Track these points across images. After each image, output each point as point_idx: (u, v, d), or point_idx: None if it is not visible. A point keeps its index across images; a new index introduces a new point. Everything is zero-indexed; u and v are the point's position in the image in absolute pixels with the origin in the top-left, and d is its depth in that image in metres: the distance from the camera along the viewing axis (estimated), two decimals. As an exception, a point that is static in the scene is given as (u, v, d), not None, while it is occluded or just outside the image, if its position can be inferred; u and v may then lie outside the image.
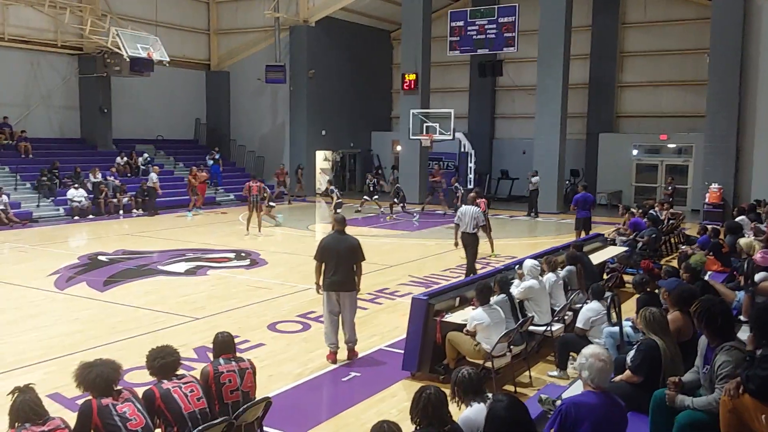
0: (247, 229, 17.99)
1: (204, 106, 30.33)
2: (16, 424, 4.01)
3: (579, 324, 7.45)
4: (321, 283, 7.95)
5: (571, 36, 23.99)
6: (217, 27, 30.30)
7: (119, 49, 22.41)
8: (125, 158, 24.59)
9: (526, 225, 21.08)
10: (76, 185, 21.20)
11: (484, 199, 15.04)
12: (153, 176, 22.27)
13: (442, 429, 3.90)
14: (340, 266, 7.83)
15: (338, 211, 19.82)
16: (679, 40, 26.48)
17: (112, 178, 22.51)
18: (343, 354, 8.06)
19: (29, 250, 15.65)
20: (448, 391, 4.17)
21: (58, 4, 23.01)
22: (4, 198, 19.22)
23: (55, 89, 24.47)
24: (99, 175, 22.07)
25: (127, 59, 22.69)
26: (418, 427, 3.90)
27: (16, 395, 4.11)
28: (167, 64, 24.12)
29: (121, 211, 21.73)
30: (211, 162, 26.11)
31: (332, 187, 20.11)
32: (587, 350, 4.09)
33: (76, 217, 20.50)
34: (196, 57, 29.68)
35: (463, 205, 12.39)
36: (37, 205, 20.72)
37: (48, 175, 21.49)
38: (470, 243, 12.04)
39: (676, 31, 26.62)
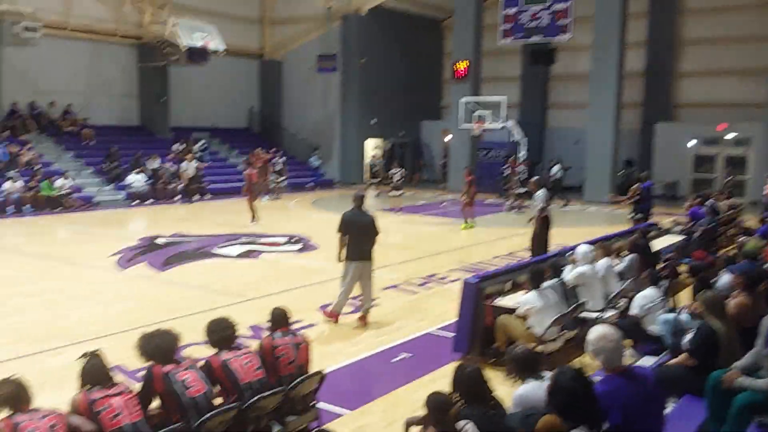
0: (253, 217, 17.35)
1: (257, 95, 30.83)
2: (87, 386, 4.24)
3: (633, 310, 7.35)
4: (344, 253, 8.69)
5: (627, 23, 23.46)
6: (271, 17, 30.69)
7: (177, 39, 22.95)
8: (182, 145, 25.21)
9: (577, 215, 20.80)
10: (136, 171, 21.88)
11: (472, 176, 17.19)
12: (194, 164, 22.55)
13: (488, 405, 3.95)
14: (362, 238, 8.67)
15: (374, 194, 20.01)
16: (740, 26, 25.60)
17: (169, 164, 23.11)
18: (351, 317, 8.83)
19: (92, 232, 16.25)
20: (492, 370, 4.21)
21: (119, -5, 23.73)
22: (68, 182, 19.99)
23: (115, 78, 25.23)
24: (157, 162, 22.68)
25: (185, 49, 23.22)
26: (463, 403, 3.96)
27: (85, 360, 4.34)
28: (222, 54, 24.59)
29: (177, 196, 22.29)
30: (318, 163, 27.04)
31: (395, 170, 20.26)
32: (592, 335, 4.00)
33: (136, 202, 21.14)
34: (250, 46, 30.14)
35: (540, 191, 12.81)
36: (99, 190, 21.47)
37: (109, 162, 22.24)
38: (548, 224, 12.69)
39: (737, 17, 25.73)
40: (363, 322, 8.80)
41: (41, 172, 19.86)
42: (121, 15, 24.33)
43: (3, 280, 11.03)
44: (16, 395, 3.91)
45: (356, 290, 8.96)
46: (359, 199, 8.90)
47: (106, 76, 24.96)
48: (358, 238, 8.67)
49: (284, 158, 24.68)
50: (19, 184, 18.99)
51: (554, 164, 23.60)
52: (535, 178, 13.71)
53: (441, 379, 6.95)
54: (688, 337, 5.22)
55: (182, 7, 25.47)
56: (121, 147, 23.12)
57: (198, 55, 23.89)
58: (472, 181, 17.24)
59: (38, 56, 22.25)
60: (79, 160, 22.24)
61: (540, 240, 12.93)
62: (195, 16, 25.32)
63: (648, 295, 7.36)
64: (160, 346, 4.63)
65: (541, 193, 12.71)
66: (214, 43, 23.91)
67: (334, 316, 8.85)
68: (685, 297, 9.14)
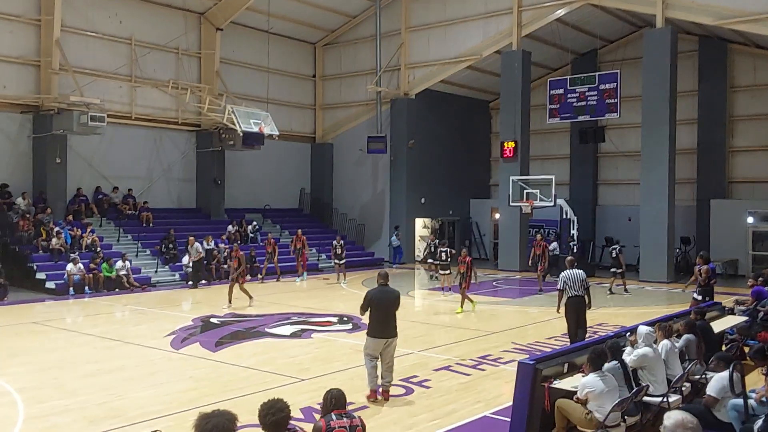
0: (229, 301, 16.93)
1: (308, 177, 31.64)
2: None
3: (712, 392, 6.96)
4: (368, 330, 8.96)
5: (677, 100, 23.46)
6: (323, 102, 31.84)
7: (233, 124, 23.96)
8: (236, 226, 25.83)
9: (633, 294, 20.27)
10: (189, 252, 22.38)
11: (470, 257, 16.77)
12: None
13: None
14: (387, 316, 8.88)
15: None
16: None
17: (223, 245, 23.63)
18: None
19: (148, 312, 16.59)
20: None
21: (180, 85, 25.05)
22: (127, 264, 20.61)
23: (174, 163, 26.33)
24: (212, 243, 23.22)
25: (241, 134, 24.20)
26: None
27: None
28: (276, 138, 25.49)
29: (231, 277, 22.59)
30: (397, 243, 27.47)
31: (444, 248, 20.22)
32: (670, 421, 3.83)
33: (190, 282, 21.54)
34: (302, 130, 31.21)
35: (565, 270, 11.84)
36: (156, 271, 22.04)
37: (165, 243, 22.89)
38: (581, 306, 11.69)
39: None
40: (385, 397, 8.84)
41: (101, 255, 20.56)
42: (181, 104, 25.63)
43: (62, 361, 11.31)
44: None
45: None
46: (384, 277, 9.19)
47: (166, 161, 26.07)
48: (382, 315, 8.86)
49: (342, 241, 23.50)
50: (80, 266, 19.67)
51: (552, 240, 23.23)
52: (569, 258, 12.67)
53: (499, 466, 6.74)
54: (759, 423, 4.96)
55: (239, 95, 26.73)
56: (178, 229, 23.82)
57: (253, 139, 24.84)
58: (470, 263, 16.66)
59: (102, 143, 23.52)
60: (137, 242, 22.95)
61: (569, 321, 11.95)
62: (251, 103, 26.51)
63: (724, 377, 7.04)
64: (217, 427, 4.62)
65: (563, 274, 11.85)
66: (269, 127, 24.85)
67: (372, 395, 8.81)
68: (752, 380, 8.72)
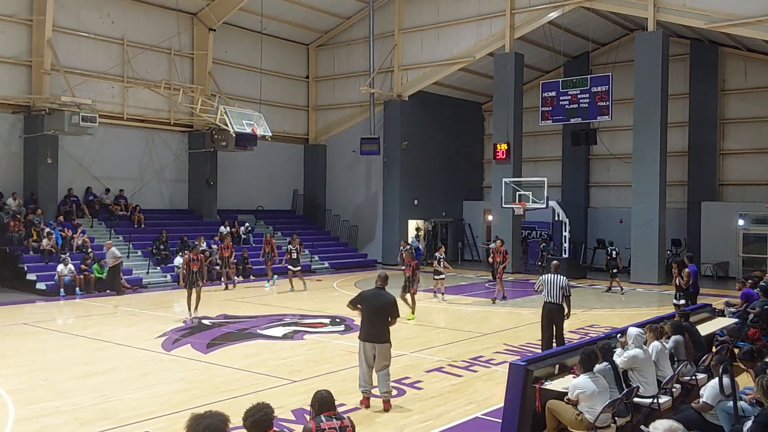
0: (189, 309, 15.58)
1: (302, 178, 31.61)
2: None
3: (707, 399, 6.93)
4: (359, 333, 8.78)
5: (668, 103, 23.57)
6: (316, 103, 31.83)
7: (226, 125, 23.92)
8: (228, 228, 25.78)
9: (624, 296, 20.37)
10: (182, 253, 22.30)
11: (416, 261, 16.63)
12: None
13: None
14: (375, 319, 8.63)
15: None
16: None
17: (215, 246, 23.55)
18: (377, 402, 8.65)
19: (139, 313, 16.53)
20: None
21: (172, 86, 25.00)
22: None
23: (167, 164, 26.26)
24: (204, 244, 23.14)
25: (233, 135, 24.16)
26: None
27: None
28: (269, 139, 25.46)
29: (223, 278, 22.56)
30: (418, 244, 27.26)
31: (439, 254, 19.73)
32: (658, 430, 3.83)
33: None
34: (295, 132, 31.20)
35: (547, 274, 11.43)
36: (147, 272, 21.95)
37: (157, 244, 22.81)
38: (556, 314, 11.27)
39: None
40: (386, 407, 8.54)
41: (92, 256, 20.47)
42: (173, 104, 25.57)
43: (53, 363, 11.25)
44: None
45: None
46: (383, 279, 8.97)
47: (158, 162, 26.00)
48: (370, 318, 8.64)
49: (299, 246, 20.96)
50: (71, 267, 19.57)
51: (493, 240, 22.99)
52: (554, 262, 12.01)
53: (490, 467, 6.76)
54: (749, 425, 5.00)
55: (231, 96, 26.69)
56: (170, 230, 23.74)
57: (246, 140, 24.81)
58: (415, 266, 16.19)
59: (94, 144, 23.44)
60: (128, 244, 22.85)
61: (542, 327, 11.47)
62: (244, 104, 26.46)
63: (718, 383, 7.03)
64: (209, 428, 4.61)
65: (542, 277, 11.40)
66: (261, 129, 24.82)
67: (363, 402, 8.69)
68: (743, 382, 8.77)
